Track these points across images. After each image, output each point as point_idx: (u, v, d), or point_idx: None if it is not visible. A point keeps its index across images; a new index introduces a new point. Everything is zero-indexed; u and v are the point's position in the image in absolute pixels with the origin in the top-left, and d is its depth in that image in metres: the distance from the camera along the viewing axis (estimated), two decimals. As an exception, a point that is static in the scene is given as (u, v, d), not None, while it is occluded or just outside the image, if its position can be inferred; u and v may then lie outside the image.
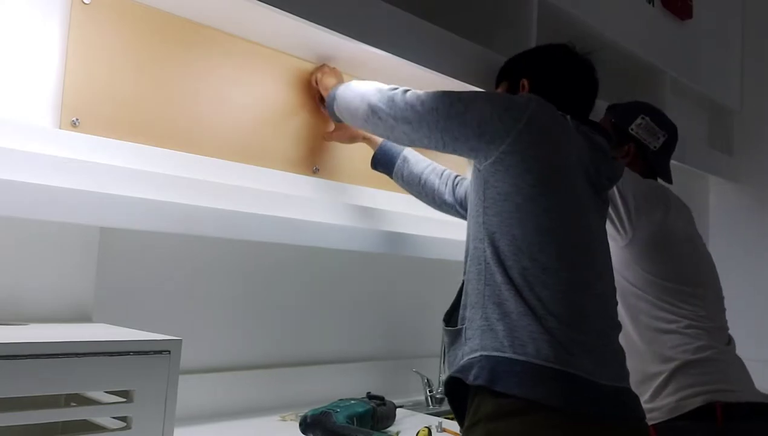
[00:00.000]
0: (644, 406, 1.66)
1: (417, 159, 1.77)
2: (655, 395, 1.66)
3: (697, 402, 1.61)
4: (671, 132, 1.91)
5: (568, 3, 2.12)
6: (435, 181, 1.74)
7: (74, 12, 1.40)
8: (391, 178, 1.80)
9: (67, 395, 1.11)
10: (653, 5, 2.56)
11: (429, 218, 2.04)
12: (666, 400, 1.64)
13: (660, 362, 1.67)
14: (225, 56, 1.66)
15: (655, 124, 1.88)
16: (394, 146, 1.77)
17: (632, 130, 1.87)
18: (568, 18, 2.16)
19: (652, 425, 1.65)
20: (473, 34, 1.88)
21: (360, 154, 1.97)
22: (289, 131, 1.80)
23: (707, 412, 1.60)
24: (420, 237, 1.94)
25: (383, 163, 1.79)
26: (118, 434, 1.09)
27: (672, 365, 1.65)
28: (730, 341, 1.76)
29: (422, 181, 1.75)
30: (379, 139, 1.78)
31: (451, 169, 1.80)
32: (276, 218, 1.61)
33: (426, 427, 1.60)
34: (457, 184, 1.73)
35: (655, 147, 1.88)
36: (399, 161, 1.76)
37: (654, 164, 1.89)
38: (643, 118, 1.87)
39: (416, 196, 1.79)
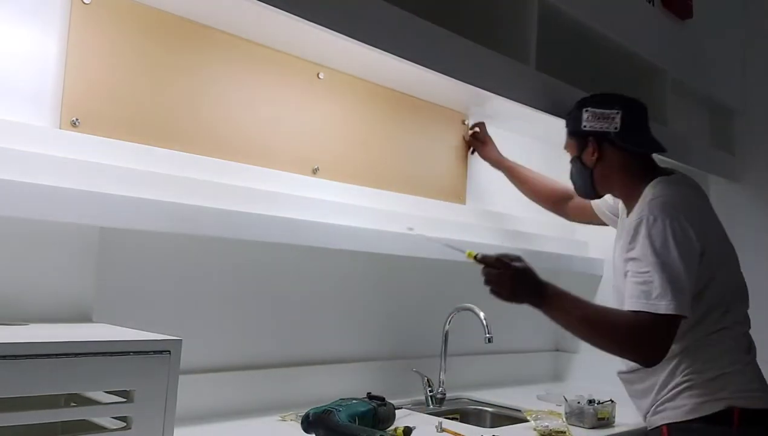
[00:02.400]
0: (662, 404, 1.66)
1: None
2: (675, 396, 1.64)
3: (716, 406, 1.60)
4: (625, 104, 1.81)
5: (568, 3, 2.12)
6: None
7: (74, 12, 1.40)
8: None
9: (67, 395, 1.11)
10: (653, 5, 2.55)
11: (429, 218, 2.04)
12: (685, 401, 1.63)
13: (693, 373, 1.65)
14: (225, 56, 1.66)
15: (601, 108, 1.79)
16: None
17: (585, 127, 1.80)
18: (568, 18, 2.16)
19: (666, 424, 1.65)
20: (473, 34, 1.88)
21: (360, 154, 1.97)
22: (289, 131, 1.80)
23: (724, 416, 1.59)
24: (419, 237, 1.93)
25: None
26: (118, 434, 1.09)
27: (704, 377, 1.64)
28: (751, 346, 1.73)
29: None
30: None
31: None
32: (276, 218, 1.61)
33: (404, 426, 1.57)
34: None
35: (615, 128, 1.78)
36: None
37: (630, 144, 1.79)
38: (586, 110, 1.81)
39: None
